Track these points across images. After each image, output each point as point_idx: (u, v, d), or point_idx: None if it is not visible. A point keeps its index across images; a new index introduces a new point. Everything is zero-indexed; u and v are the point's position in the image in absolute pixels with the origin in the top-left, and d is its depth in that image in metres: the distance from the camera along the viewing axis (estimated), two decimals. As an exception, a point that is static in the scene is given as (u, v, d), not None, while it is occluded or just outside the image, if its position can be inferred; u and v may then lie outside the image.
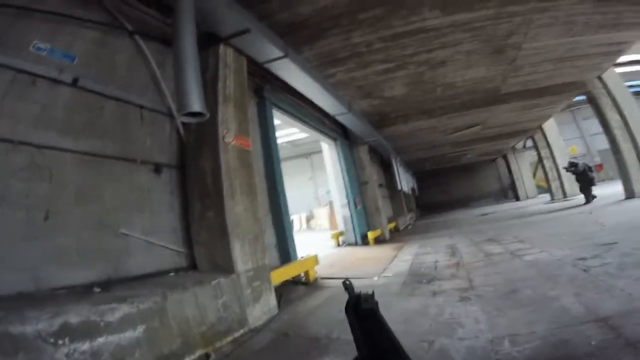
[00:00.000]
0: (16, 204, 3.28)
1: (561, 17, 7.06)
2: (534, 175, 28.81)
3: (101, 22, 4.32)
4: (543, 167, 19.89)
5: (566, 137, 25.95)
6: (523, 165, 27.49)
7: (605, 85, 11.79)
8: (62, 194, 3.64)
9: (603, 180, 28.09)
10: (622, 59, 11.57)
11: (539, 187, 27.25)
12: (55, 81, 3.72)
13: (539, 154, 20.54)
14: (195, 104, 3.74)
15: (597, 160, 30.43)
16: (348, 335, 0.90)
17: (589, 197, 13.27)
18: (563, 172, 16.71)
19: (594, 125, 20.74)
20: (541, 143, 19.70)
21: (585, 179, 13.48)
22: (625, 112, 11.72)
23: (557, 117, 18.21)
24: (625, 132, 11.82)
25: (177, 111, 4.00)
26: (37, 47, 3.66)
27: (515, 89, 11.30)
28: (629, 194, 11.86)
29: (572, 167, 13.91)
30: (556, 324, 3.09)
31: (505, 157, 28.65)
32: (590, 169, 13.64)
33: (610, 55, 9.98)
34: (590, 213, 10.14)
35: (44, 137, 3.56)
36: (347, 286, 0.98)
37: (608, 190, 16.32)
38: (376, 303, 0.94)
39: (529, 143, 23.44)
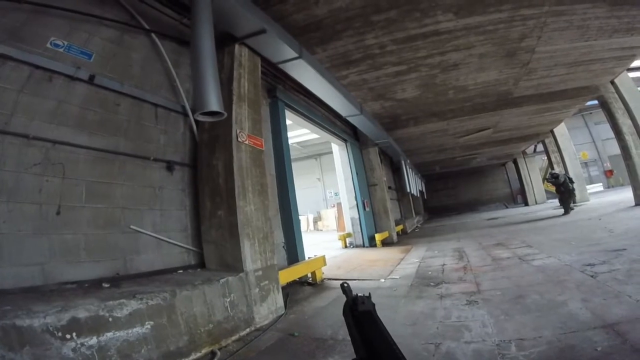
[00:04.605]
0: (28, 199, 3.33)
1: (575, 21, 7.04)
2: (544, 180, 28.57)
3: (118, 21, 4.38)
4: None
5: (577, 142, 25.77)
6: (533, 170, 27.25)
7: (617, 90, 11.69)
8: (74, 189, 3.69)
9: (613, 186, 27.92)
10: (636, 63, 11.48)
11: (548, 192, 27.04)
12: (71, 78, 3.78)
13: (549, 159, 20.40)
14: (214, 103, 3.78)
15: (608, 165, 30.22)
16: (352, 337, 0.92)
17: (568, 209, 13.48)
18: (576, 176, 16.83)
19: (606, 131, 20.58)
20: (552, 148, 19.56)
21: (565, 190, 13.63)
22: (638, 118, 11.59)
23: (568, 121, 18.08)
24: (637, 137, 11.73)
25: (194, 110, 4.03)
26: (54, 44, 3.73)
27: (528, 92, 11.26)
28: (639, 201, 11.74)
29: (553, 178, 14.05)
30: (563, 329, 3.09)
31: (515, 162, 28.42)
32: (570, 180, 13.83)
33: (623, 60, 9.93)
34: (600, 219, 10.05)
35: (59, 133, 3.62)
36: (345, 288, 1.00)
37: (618, 196, 16.22)
38: (373, 305, 0.95)
39: (540, 147, 23.32)
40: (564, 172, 16.34)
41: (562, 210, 13.71)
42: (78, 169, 3.74)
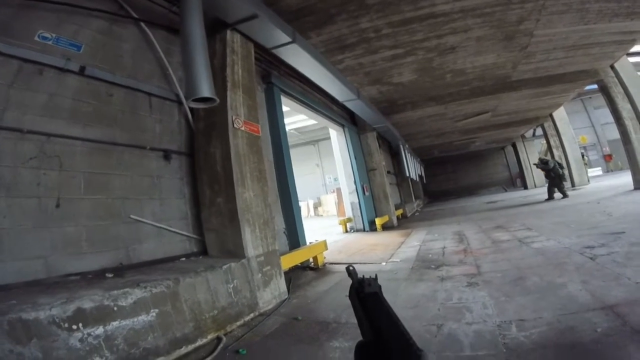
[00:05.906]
0: (27, 193, 3.33)
1: (574, 4, 6.95)
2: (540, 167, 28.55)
3: (106, 11, 4.33)
4: (552, 156, 19.66)
5: (576, 126, 25.67)
6: (532, 154, 27.14)
7: (617, 74, 11.63)
8: (72, 182, 3.70)
9: (612, 171, 27.94)
10: (636, 48, 11.40)
11: (546, 176, 27.03)
12: (62, 70, 3.76)
13: (548, 143, 20.34)
14: (205, 89, 3.75)
15: (607, 150, 30.20)
16: (355, 320, 0.92)
17: (563, 192, 13.58)
18: (575, 160, 16.91)
19: (605, 115, 20.53)
20: (551, 132, 19.50)
21: (555, 175, 13.73)
22: (637, 102, 11.55)
23: (567, 105, 18.00)
24: (636, 122, 11.69)
25: (186, 97, 4.01)
26: (43, 37, 3.69)
27: (526, 76, 11.17)
28: (638, 185, 11.74)
29: (543, 163, 14.17)
30: (563, 311, 3.11)
31: (514, 145, 28.34)
32: (560, 165, 13.97)
33: (623, 44, 9.84)
34: (598, 203, 10.07)
35: (53, 126, 3.60)
36: (350, 271, 0.99)
37: (617, 180, 16.25)
38: (379, 287, 0.94)
39: (539, 131, 23.27)
40: (561, 156, 16.44)
41: (546, 197, 13.85)
42: (75, 161, 3.73)
